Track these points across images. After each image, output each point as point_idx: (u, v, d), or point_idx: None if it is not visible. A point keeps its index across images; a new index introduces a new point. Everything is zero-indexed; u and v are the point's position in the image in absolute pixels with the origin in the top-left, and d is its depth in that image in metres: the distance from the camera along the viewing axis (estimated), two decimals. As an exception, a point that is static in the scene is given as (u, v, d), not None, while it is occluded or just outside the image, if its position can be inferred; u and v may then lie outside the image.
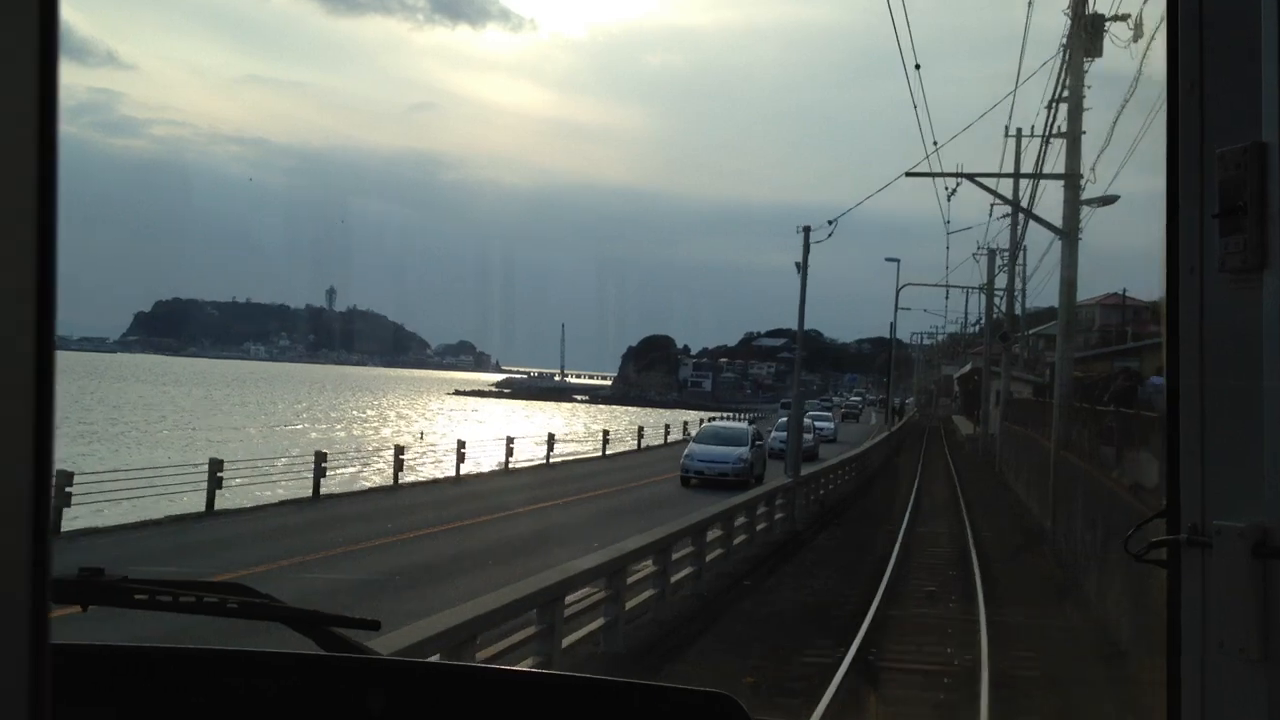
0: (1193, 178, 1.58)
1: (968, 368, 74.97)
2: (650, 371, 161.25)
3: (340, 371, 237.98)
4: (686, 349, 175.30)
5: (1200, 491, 1.57)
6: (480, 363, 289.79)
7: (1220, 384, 1.55)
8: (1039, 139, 29.68)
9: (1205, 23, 1.57)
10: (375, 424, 77.06)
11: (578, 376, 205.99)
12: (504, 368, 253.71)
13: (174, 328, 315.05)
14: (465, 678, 2.18)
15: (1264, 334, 1.47)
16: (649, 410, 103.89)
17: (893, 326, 71.76)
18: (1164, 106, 1.68)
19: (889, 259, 61.40)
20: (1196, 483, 1.58)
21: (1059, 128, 24.89)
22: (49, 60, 0.64)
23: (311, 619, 2.15)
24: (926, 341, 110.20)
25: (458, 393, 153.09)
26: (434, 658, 6.04)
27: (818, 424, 51.41)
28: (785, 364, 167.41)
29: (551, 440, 38.96)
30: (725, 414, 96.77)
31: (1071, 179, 22.71)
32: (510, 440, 36.01)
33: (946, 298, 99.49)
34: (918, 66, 22.21)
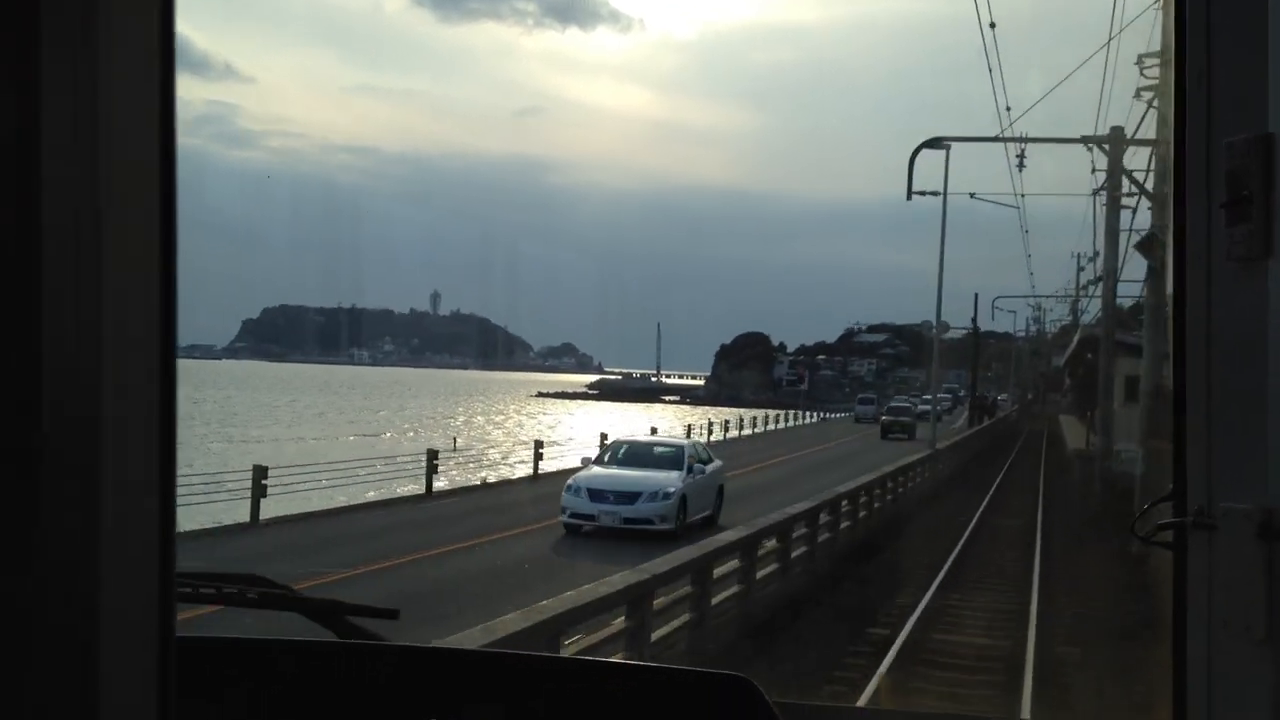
0: (1200, 167, 1.61)
1: (1075, 342, 54.50)
2: (743, 370, 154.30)
3: (438, 375, 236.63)
4: (783, 346, 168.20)
5: (1207, 474, 1.60)
6: (583, 365, 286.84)
7: (1226, 369, 1.58)
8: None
9: (1213, 13, 1.59)
10: (426, 429, 72.43)
11: (678, 377, 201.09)
12: (606, 369, 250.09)
13: (280, 334, 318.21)
14: (485, 663, 2.16)
15: (1269, 320, 1.50)
16: (738, 410, 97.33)
17: (975, 299, 64.66)
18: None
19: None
20: (1203, 466, 1.61)
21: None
22: (168, 73, 0.66)
23: (330, 608, 2.15)
24: (1033, 329, 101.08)
25: (540, 395, 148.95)
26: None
27: None
28: (887, 360, 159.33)
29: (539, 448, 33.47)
30: (824, 414, 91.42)
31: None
32: (539, 445, 33.32)
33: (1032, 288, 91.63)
34: (993, 25, 21.98)
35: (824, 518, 19.34)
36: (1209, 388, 1.61)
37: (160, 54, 0.66)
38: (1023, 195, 44.80)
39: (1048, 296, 77.56)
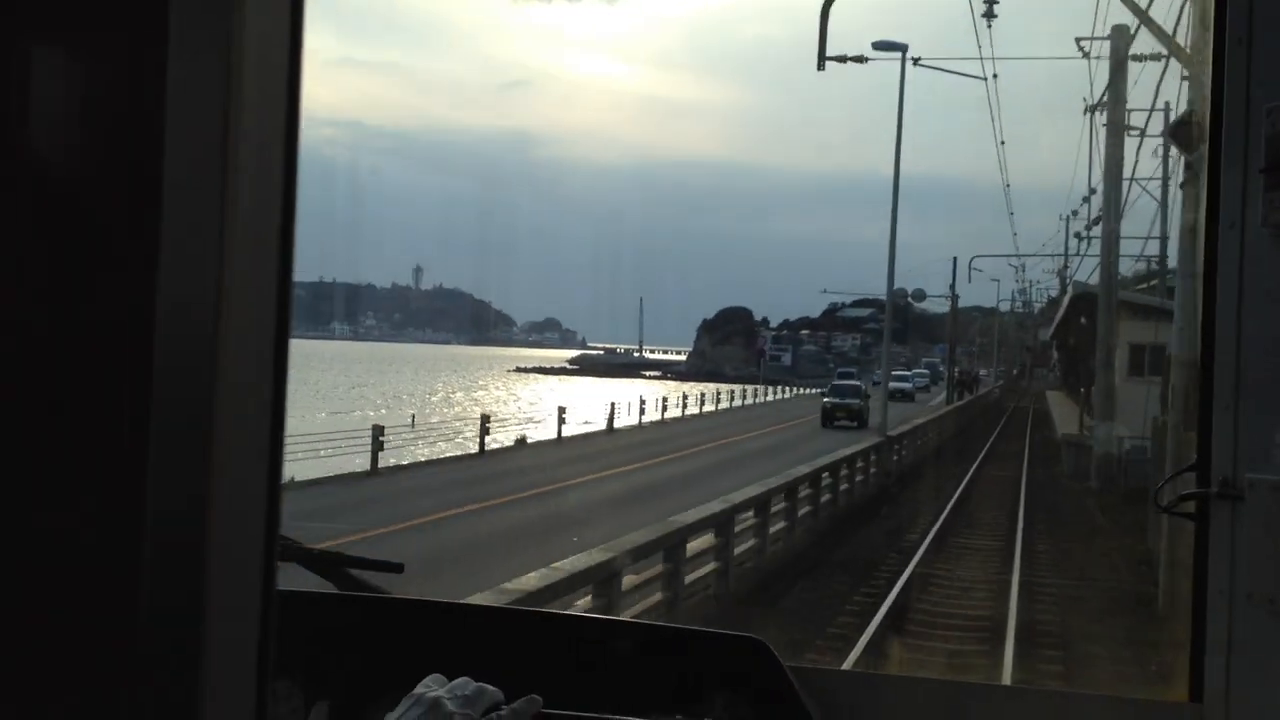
0: (1238, 133, 1.59)
1: (1065, 304, 47.56)
2: (726, 345, 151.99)
3: (420, 350, 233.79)
4: (765, 321, 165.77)
5: (1233, 445, 1.59)
6: (566, 340, 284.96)
7: (1257, 339, 1.57)
8: None
9: None
10: (381, 406, 69.99)
11: (664, 352, 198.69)
12: (590, 345, 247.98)
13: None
14: (491, 618, 2.14)
15: None
16: (717, 385, 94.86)
17: (954, 263, 61.81)
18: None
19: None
20: (1229, 436, 1.60)
21: None
22: (295, 68, 0.68)
23: (333, 560, 2.14)
24: (1018, 301, 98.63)
25: (519, 370, 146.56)
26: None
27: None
28: (871, 335, 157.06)
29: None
30: (801, 389, 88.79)
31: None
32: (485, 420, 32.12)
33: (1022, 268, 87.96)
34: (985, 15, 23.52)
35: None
36: (1239, 356, 1.58)
37: (289, 47, 0.67)
38: (995, 75, 41.36)
39: (1030, 256, 71.71)
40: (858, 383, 54.25)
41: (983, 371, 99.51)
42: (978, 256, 64.64)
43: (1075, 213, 51.92)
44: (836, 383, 53.03)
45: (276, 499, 0.70)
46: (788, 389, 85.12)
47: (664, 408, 48.25)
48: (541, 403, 55.60)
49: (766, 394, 75.23)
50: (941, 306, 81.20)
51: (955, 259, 66.53)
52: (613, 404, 41.75)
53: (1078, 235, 51.12)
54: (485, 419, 32.27)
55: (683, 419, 49.14)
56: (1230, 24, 1.61)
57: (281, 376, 0.69)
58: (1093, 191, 39.60)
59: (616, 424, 41.31)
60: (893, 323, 42.62)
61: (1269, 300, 1.56)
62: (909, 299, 57.62)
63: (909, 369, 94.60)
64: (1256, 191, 1.55)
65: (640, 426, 43.15)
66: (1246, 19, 1.58)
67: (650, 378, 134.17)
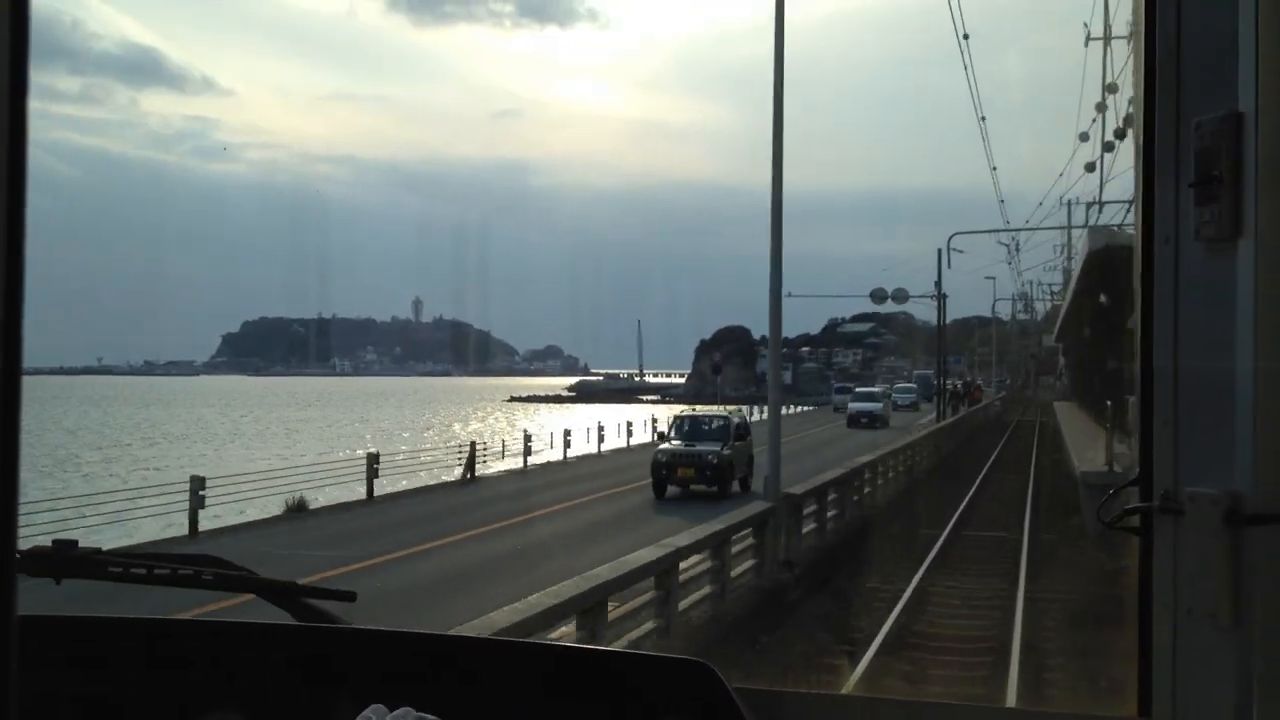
0: (1169, 146, 1.61)
1: (1079, 269, 36.73)
2: (725, 366, 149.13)
3: (420, 383, 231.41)
4: (764, 340, 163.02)
5: (1173, 459, 1.60)
6: (568, 367, 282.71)
7: (1194, 352, 1.58)
8: None
9: None
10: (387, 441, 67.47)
11: (666, 375, 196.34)
12: (592, 371, 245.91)
13: (260, 347, 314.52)
14: (439, 647, 2.12)
15: (1238, 303, 1.49)
16: (715, 407, 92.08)
17: (939, 255, 53.55)
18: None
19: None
20: (1170, 450, 1.60)
21: None
22: (19, 78, 0.62)
23: (287, 590, 2.15)
24: (1020, 312, 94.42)
25: (513, 399, 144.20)
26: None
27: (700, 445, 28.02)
28: (872, 350, 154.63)
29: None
30: (803, 406, 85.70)
31: None
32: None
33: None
34: (966, 36, 22.40)
35: None
36: (1176, 370, 1.59)
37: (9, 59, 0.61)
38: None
39: (1022, 229, 60.53)
40: (721, 420, 44.64)
41: (978, 381, 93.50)
42: (958, 234, 56.04)
43: (1084, 135, 41.58)
44: (690, 416, 37.65)
45: (11, 526, 0.64)
46: (787, 407, 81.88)
47: (629, 434, 46.87)
48: (517, 432, 53.15)
49: (758, 414, 72.30)
50: (921, 303, 74.22)
51: (940, 250, 55.97)
52: (567, 432, 40.22)
53: (1089, 168, 41.56)
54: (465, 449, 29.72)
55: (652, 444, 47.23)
56: (1159, 38, 1.62)
57: (12, 405, 0.64)
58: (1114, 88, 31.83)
59: (582, 451, 40.54)
60: (897, 339, 39.75)
61: (1204, 313, 1.55)
62: (889, 299, 52.91)
63: (893, 384, 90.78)
64: (1188, 205, 1.56)
65: (599, 455, 41.69)
66: (1175, 33, 1.60)
67: (648, 402, 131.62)
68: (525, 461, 35.72)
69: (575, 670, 1.95)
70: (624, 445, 45.52)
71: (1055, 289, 71.16)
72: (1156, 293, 1.63)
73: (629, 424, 47.98)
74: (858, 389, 71.54)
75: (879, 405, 63.18)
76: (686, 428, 29.36)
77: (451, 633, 3.62)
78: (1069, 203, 49.46)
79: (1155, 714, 1.65)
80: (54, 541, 2.01)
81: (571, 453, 39.68)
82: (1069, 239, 52.76)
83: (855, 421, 58.29)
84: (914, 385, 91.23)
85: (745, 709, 1.77)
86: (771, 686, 2.02)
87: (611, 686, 1.89)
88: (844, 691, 9.66)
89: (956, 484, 28.47)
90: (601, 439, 43.92)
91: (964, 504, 25.00)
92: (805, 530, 18.42)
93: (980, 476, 30.93)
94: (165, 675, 1.96)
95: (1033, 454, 38.40)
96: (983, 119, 37.25)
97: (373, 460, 28.21)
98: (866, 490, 24.23)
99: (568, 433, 40.03)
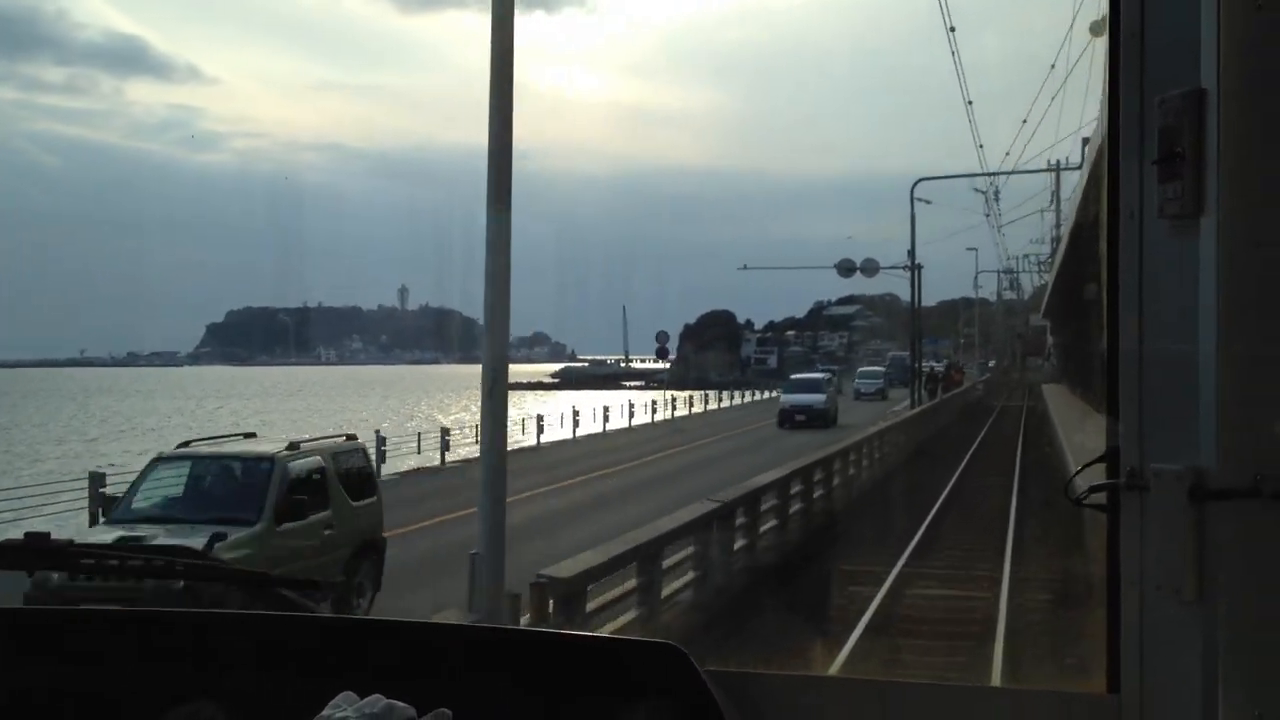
0: (1133, 124, 1.63)
1: (1059, 259, 36.03)
2: (708, 351, 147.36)
3: (402, 371, 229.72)
4: (750, 324, 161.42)
5: (1139, 436, 1.61)
6: (555, 353, 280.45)
7: (1158, 328, 1.59)
8: None
9: None
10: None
11: (653, 361, 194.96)
12: (580, 357, 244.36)
13: (246, 337, 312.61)
14: (410, 633, 2.10)
15: (1200, 278, 1.51)
16: (701, 391, 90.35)
17: (911, 223, 46.87)
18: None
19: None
20: (1135, 427, 1.62)
21: None
22: None
23: (258, 580, 2.17)
24: (1008, 293, 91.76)
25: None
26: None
27: None
28: (859, 333, 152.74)
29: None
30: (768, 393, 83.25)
31: None
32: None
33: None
34: (952, 29, 22.31)
35: None
36: (1141, 347, 1.60)
37: None
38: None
39: (1002, 174, 48.76)
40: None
41: (959, 363, 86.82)
42: (923, 179, 46.60)
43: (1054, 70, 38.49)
44: None
45: None
46: (765, 392, 79.67)
47: (606, 419, 46.27)
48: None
49: (732, 398, 70.79)
50: (929, 298, 70.35)
51: (913, 215, 47.41)
52: (540, 417, 40.03)
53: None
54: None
55: (630, 429, 46.78)
56: (1124, 17, 1.63)
57: None
58: None
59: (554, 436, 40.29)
60: (884, 321, 37.78)
61: (1168, 289, 1.56)
62: (859, 271, 49.17)
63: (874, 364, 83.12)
64: (1152, 182, 1.57)
65: (574, 440, 41.02)
66: (1139, 13, 1.61)
67: (632, 387, 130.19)
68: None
69: (546, 655, 1.93)
70: (600, 430, 44.74)
71: (1042, 260, 67.32)
72: (1122, 270, 1.63)
73: (605, 409, 47.43)
74: (793, 376, 55.09)
75: (821, 397, 46.05)
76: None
77: (422, 620, 3.10)
78: (1057, 163, 46.71)
79: (1124, 689, 1.65)
80: (26, 534, 2.00)
81: (546, 438, 39.33)
82: (1058, 204, 49.98)
83: (787, 420, 43.24)
84: (880, 369, 75.48)
85: (717, 691, 1.76)
86: (743, 668, 1.97)
87: (581, 670, 1.87)
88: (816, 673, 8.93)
89: (923, 493, 22.09)
90: (577, 424, 43.76)
91: (925, 524, 18.50)
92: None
93: (957, 472, 24.19)
94: (138, 666, 1.95)
95: (1019, 441, 33.11)
96: (969, 103, 35.38)
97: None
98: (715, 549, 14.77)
99: (540, 418, 40.28)
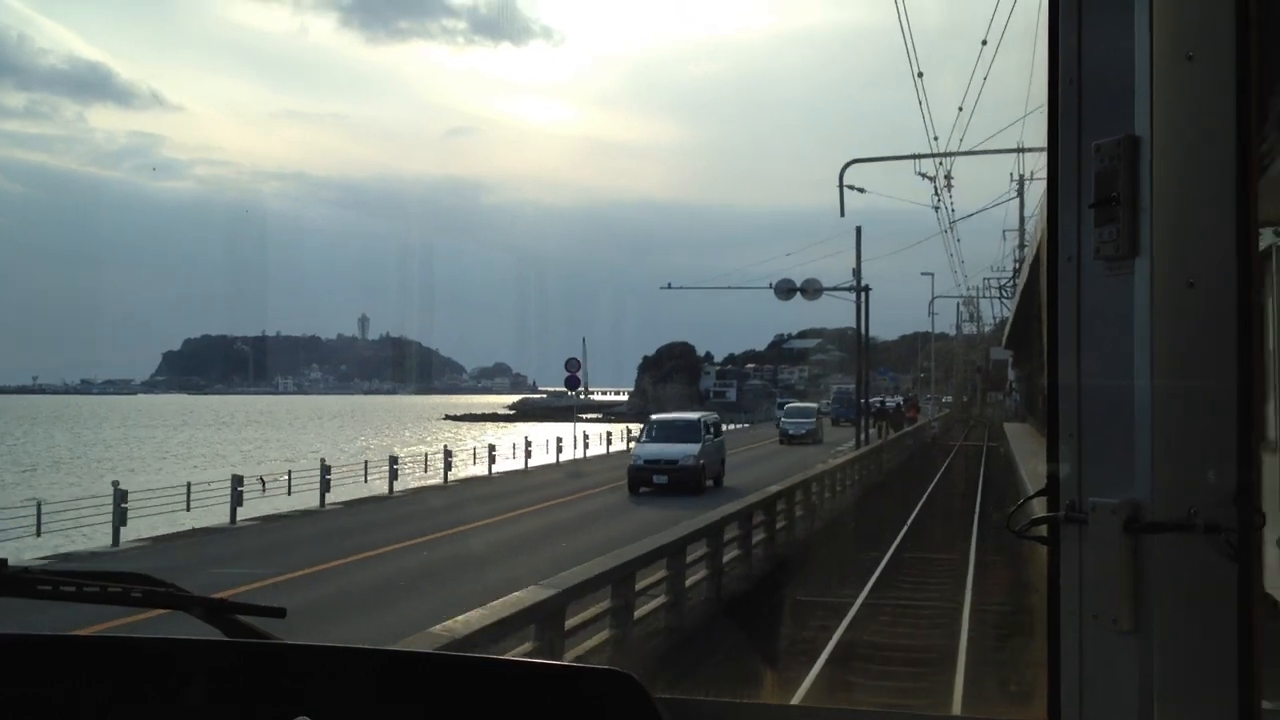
0: (1071, 169, 1.67)
1: (1022, 285, 34.19)
2: (667, 383, 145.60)
3: (357, 401, 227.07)
4: (709, 356, 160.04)
5: (1078, 471, 1.65)
6: (516, 385, 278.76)
7: (1095, 367, 1.63)
8: None
9: (1085, 21, 1.65)
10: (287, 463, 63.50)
11: (614, 393, 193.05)
12: (540, 388, 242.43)
13: (202, 366, 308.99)
14: (368, 661, 2.06)
15: (1135, 318, 1.55)
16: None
17: (857, 235, 41.57)
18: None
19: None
20: (1075, 462, 1.66)
21: None
22: None
23: (217, 607, 2.13)
24: (967, 326, 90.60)
25: (448, 418, 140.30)
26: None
27: None
28: (819, 366, 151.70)
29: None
30: (744, 424, 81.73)
31: None
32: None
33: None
34: (920, 75, 22.88)
35: None
36: (1079, 385, 1.65)
37: None
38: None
39: (950, 154, 42.22)
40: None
41: (899, 397, 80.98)
42: (855, 161, 37.43)
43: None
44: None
45: None
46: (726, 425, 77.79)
47: (527, 452, 44.84)
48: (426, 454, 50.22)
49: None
50: (890, 332, 67.22)
51: (859, 228, 43.04)
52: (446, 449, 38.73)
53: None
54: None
55: (557, 465, 45.44)
56: (1062, 64, 1.67)
57: None
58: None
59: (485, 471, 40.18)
60: (844, 356, 34.83)
61: (1104, 328, 1.61)
62: (799, 291, 45.02)
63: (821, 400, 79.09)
64: (1088, 225, 1.61)
65: (489, 478, 39.51)
66: (1076, 60, 1.65)
67: (588, 420, 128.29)
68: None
69: (499, 682, 1.94)
70: (553, 461, 46.05)
71: (1004, 283, 64.51)
72: (1060, 310, 1.68)
73: (559, 439, 47.55)
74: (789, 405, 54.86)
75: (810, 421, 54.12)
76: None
77: (380, 648, 2.70)
78: (1022, 177, 44.64)
79: (1064, 716, 1.69)
80: None
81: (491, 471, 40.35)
82: (1020, 221, 47.89)
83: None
84: (812, 406, 67.51)
85: (668, 718, 1.77)
86: (694, 695, 1.97)
87: (533, 698, 1.88)
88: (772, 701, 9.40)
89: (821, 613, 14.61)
90: (528, 455, 44.27)
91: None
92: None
93: (880, 569, 17.41)
94: (90, 694, 1.93)
95: (976, 500, 27.98)
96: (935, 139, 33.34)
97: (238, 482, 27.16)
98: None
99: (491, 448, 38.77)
